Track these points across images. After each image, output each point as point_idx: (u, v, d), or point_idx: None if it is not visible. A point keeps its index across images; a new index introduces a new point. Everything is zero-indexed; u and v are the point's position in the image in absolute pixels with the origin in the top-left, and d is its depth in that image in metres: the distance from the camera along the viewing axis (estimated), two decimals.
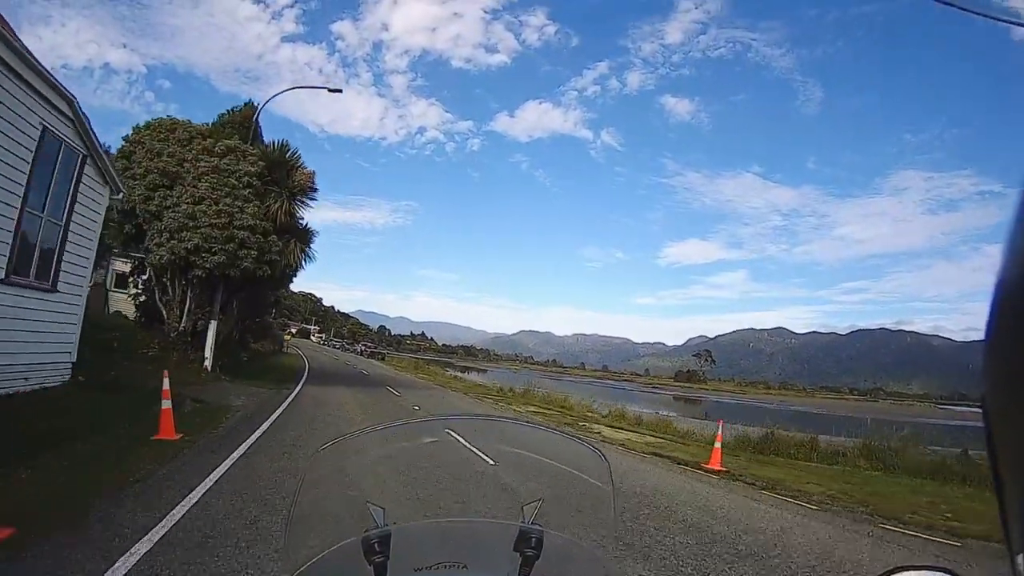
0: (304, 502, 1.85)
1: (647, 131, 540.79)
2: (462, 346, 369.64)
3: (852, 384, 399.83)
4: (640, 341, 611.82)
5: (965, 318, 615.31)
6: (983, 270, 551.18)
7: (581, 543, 1.97)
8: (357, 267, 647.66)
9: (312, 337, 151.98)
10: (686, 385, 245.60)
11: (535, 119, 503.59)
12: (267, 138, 26.81)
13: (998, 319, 0.58)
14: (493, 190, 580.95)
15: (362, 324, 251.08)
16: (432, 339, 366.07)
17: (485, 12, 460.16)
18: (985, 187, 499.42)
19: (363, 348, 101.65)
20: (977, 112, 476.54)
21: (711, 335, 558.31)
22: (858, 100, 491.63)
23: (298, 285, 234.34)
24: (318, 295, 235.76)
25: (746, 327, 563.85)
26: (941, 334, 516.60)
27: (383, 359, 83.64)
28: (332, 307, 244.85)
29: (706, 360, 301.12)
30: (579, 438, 2.13)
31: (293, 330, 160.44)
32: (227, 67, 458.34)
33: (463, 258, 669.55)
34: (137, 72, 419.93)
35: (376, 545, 1.57)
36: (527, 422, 2.37)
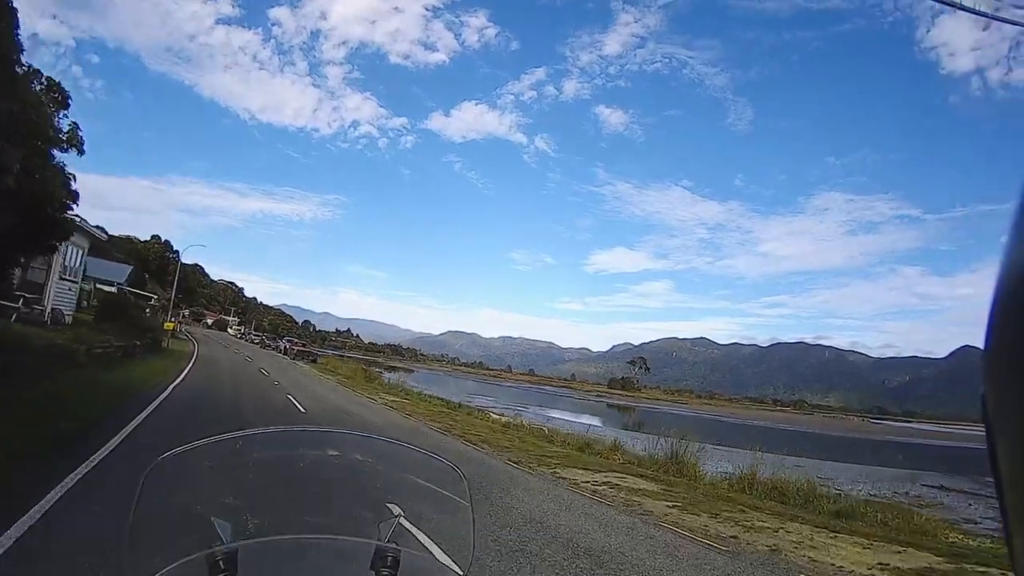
0: (143, 515, 1.70)
1: (581, 139, 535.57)
2: (389, 345, 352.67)
3: (772, 395, 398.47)
4: (566, 346, 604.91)
5: (881, 335, 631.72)
6: (899, 290, 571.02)
7: (438, 562, 1.99)
8: (283, 260, 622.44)
9: (229, 329, 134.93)
10: (620, 392, 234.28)
11: (470, 120, 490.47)
12: None
13: (998, 322, 0.57)
14: (425, 189, 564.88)
15: (286, 316, 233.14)
16: (358, 336, 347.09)
17: (426, 9, 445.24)
18: (904, 211, 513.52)
19: (288, 345, 79.11)
20: (900, 139, 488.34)
21: (636, 342, 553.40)
22: (787, 122, 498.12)
23: (218, 273, 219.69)
24: (240, 285, 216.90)
25: (670, 336, 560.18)
26: (858, 349, 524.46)
27: (314, 361, 64.66)
28: (255, 299, 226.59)
29: (640, 367, 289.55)
30: (436, 454, 2.14)
31: (209, 320, 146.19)
32: (159, 46, 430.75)
33: (391, 256, 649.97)
34: (65, 45, 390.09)
35: (221, 563, 1.50)
36: (389, 439, 2.35)
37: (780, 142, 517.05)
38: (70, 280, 28.86)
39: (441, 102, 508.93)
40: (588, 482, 14.59)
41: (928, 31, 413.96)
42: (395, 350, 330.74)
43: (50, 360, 17.26)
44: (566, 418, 45.77)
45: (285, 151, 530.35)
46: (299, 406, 20.65)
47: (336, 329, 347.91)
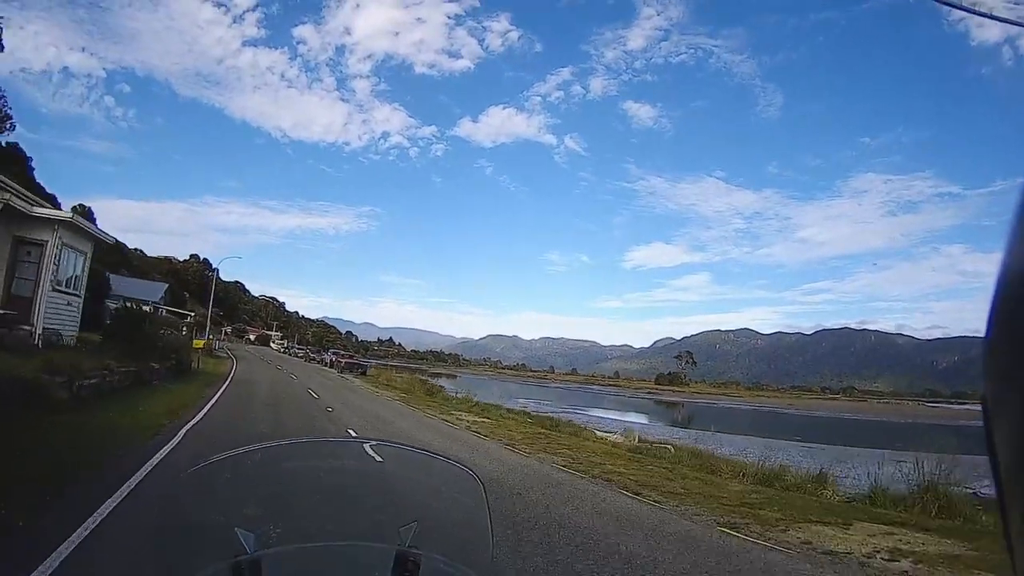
0: (168, 526, 1.87)
1: (610, 136, 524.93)
2: (431, 351, 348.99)
3: (819, 383, 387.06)
4: (607, 344, 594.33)
5: (927, 316, 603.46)
6: (942, 270, 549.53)
7: (459, 566, 1.98)
8: (321, 273, 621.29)
9: (272, 344, 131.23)
10: (669, 388, 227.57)
11: (499, 124, 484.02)
12: None
13: (998, 318, 0.56)
14: (457, 195, 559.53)
15: (329, 327, 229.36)
16: (400, 345, 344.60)
17: (448, 17, 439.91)
18: (943, 189, 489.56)
19: (334, 358, 71.20)
20: (935, 115, 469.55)
21: (677, 337, 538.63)
22: (818, 105, 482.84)
23: (259, 290, 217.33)
24: (281, 300, 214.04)
25: (712, 328, 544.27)
26: (904, 332, 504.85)
27: (364, 374, 57.49)
28: (296, 313, 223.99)
29: (687, 362, 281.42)
30: (452, 459, 2.18)
31: (252, 336, 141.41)
32: (187, 71, 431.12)
33: (428, 264, 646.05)
34: (96, 76, 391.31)
35: (245, 572, 1.53)
36: (406, 445, 2.44)
37: (812, 126, 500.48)
38: (68, 292, 23.02)
39: (469, 108, 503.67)
40: (867, 555, 8.86)
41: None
42: (437, 356, 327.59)
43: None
44: (661, 427, 39.18)
45: (318, 166, 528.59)
46: (365, 448, 14.20)
47: (378, 339, 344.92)
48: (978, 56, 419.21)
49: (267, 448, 2.22)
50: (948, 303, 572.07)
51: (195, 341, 41.38)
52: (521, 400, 53.62)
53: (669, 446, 21.81)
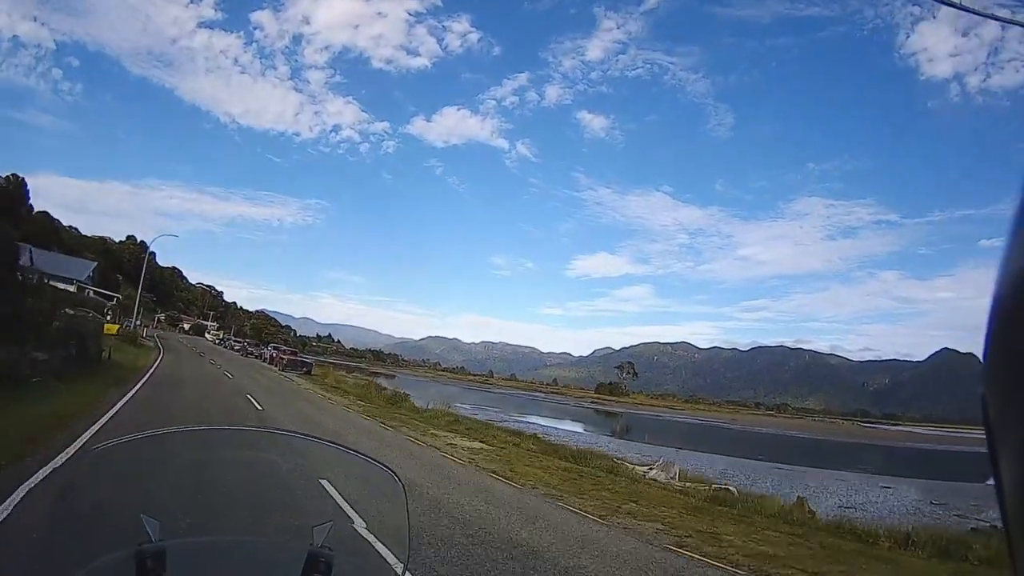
0: (70, 508, 1.76)
1: (562, 144, 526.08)
2: (370, 350, 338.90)
3: (753, 399, 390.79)
4: (547, 351, 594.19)
5: (860, 338, 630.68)
6: (877, 295, 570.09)
7: (371, 569, 1.95)
8: (263, 265, 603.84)
9: (207, 334, 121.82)
10: (610, 398, 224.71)
11: (452, 125, 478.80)
12: None
13: (998, 320, 0.56)
14: (406, 194, 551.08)
15: (269, 319, 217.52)
16: (339, 342, 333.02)
17: (409, 14, 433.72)
18: (883, 216, 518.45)
19: (274, 354, 59.77)
20: (879, 145, 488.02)
21: (616, 347, 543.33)
22: (767, 127, 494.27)
23: (197, 278, 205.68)
24: (219, 289, 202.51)
25: (651, 340, 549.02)
26: (838, 353, 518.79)
27: (309, 373, 49.55)
28: (234, 303, 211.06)
29: (628, 373, 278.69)
30: (372, 457, 2.10)
31: (186, 325, 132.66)
32: (140, 49, 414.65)
33: (372, 261, 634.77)
34: (46, 47, 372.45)
35: (149, 561, 1.46)
36: (330, 441, 2.26)
37: (760, 148, 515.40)
38: None
39: (423, 107, 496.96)
40: None
41: (908, 37, 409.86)
42: (377, 356, 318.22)
43: None
44: (661, 449, 34.04)
45: (265, 155, 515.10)
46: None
47: (317, 335, 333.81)
48: (926, 90, 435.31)
49: (181, 432, 2.06)
50: (881, 326, 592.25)
51: (107, 325, 34.68)
52: (468, 406, 47.72)
53: (731, 488, 16.69)
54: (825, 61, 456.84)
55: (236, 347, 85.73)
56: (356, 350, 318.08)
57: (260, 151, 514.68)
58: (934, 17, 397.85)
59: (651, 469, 18.34)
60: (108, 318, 43.19)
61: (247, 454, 2.55)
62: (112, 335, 34.87)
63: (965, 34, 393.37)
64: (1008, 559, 0.57)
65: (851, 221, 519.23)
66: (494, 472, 14.16)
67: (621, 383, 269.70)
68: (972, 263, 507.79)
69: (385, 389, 38.05)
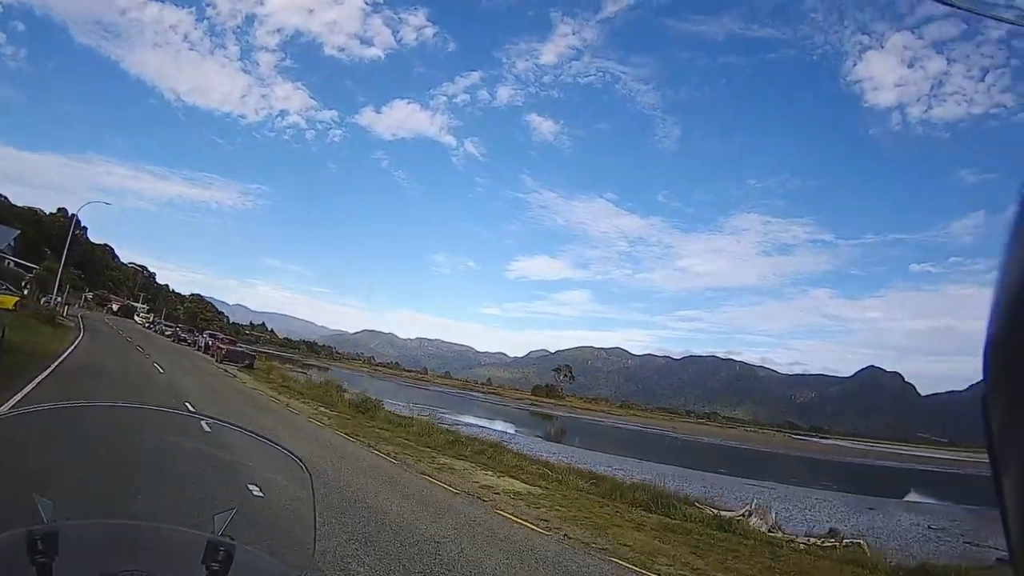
0: None
1: (510, 146, 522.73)
2: (304, 341, 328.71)
3: (683, 406, 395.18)
4: (482, 350, 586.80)
5: (789, 353, 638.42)
6: (808, 311, 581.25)
7: (274, 561, 1.87)
8: (198, 248, 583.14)
9: (136, 317, 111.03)
10: (547, 400, 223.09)
11: (401, 119, 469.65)
12: None
13: (999, 320, 0.55)
14: (349, 185, 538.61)
15: (206, 304, 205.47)
16: (272, 331, 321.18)
17: (366, 3, 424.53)
18: (818, 236, 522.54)
19: (211, 342, 52.09)
20: (820, 167, 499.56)
21: (552, 350, 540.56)
22: (712, 143, 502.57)
23: (130, 258, 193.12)
24: (152, 270, 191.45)
25: (586, 345, 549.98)
26: (767, 365, 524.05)
27: (251, 367, 42.84)
28: (167, 286, 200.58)
29: (565, 375, 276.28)
30: (279, 444, 2.04)
31: (115, 306, 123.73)
32: (88, 17, 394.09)
33: (310, 251, 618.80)
34: None
35: (40, 544, 1.37)
36: (235, 425, 2.17)
37: (704, 162, 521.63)
38: None
39: (373, 98, 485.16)
40: None
41: (855, 65, 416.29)
42: (311, 347, 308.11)
43: None
44: (634, 464, 30.11)
45: (209, 135, 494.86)
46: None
47: (251, 323, 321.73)
48: (869, 117, 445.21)
49: (83, 407, 1.93)
50: (810, 342, 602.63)
51: (2, 297, 28.77)
52: (409, 403, 41.86)
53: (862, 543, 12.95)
54: (773, 82, 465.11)
55: (167, 332, 78.61)
56: (290, 340, 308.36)
57: (204, 131, 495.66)
58: (882, 47, 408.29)
59: (748, 515, 13.81)
60: (26, 291, 37.05)
61: (156, 436, 2.35)
62: (7, 309, 28.71)
63: (911, 66, 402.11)
64: (1006, 546, 0.56)
65: (787, 239, 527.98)
66: (613, 554, 9.28)
67: (558, 386, 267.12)
68: (902, 285, 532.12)
69: (345, 391, 32.41)
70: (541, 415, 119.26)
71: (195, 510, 1.97)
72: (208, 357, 46.01)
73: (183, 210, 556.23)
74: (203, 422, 2.58)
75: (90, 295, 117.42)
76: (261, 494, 2.25)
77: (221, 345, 48.29)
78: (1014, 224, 0.57)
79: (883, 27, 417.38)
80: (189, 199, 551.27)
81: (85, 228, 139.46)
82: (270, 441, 2.04)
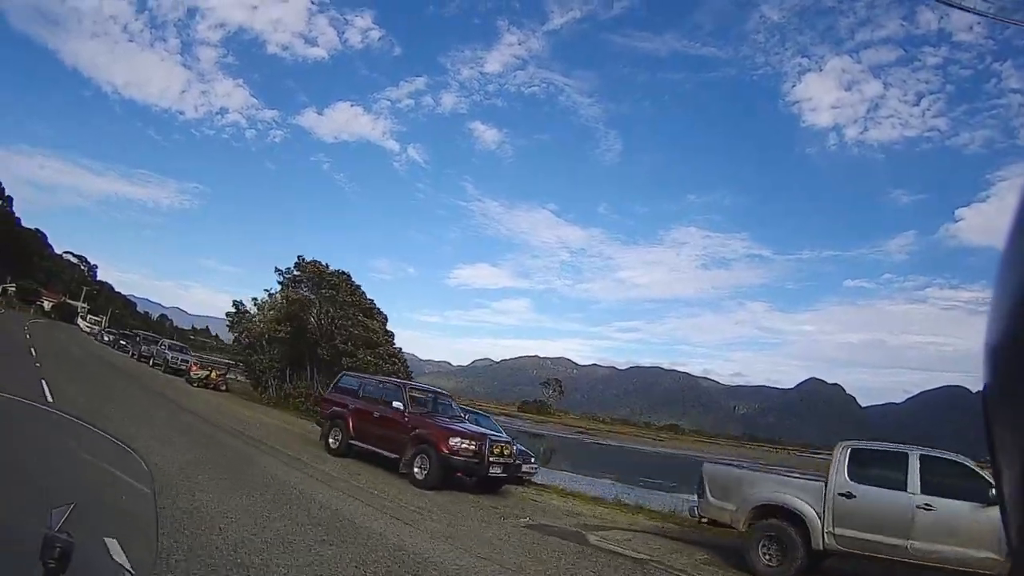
0: None
1: (453, 153, 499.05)
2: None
3: (630, 416, 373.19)
4: (425, 358, 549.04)
5: (731, 364, 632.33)
6: (745, 323, 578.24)
7: (113, 560, 1.76)
8: (134, 248, 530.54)
9: (81, 321, 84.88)
10: (538, 417, 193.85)
11: (344, 121, 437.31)
12: None
13: (999, 321, 0.54)
14: (289, 187, 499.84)
15: (136, 311, 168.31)
16: (217, 336, 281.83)
17: (312, 2, 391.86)
18: (755, 251, 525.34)
19: (178, 357, 38.25)
20: (756, 184, 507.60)
21: (496, 359, 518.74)
22: (653, 157, 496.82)
23: (62, 245, 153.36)
24: (93, 262, 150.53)
25: (531, 354, 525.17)
26: (710, 376, 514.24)
27: (225, 387, 30.22)
28: (108, 284, 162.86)
29: (555, 390, 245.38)
30: (117, 438, 1.96)
31: (47, 304, 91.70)
32: (26, 3, 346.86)
33: (249, 252, 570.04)
34: None
35: None
36: (67, 415, 2.10)
37: (645, 176, 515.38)
38: None
39: (315, 99, 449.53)
40: None
41: (793, 86, 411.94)
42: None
43: None
44: None
45: (146, 131, 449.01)
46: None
47: (193, 326, 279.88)
48: (806, 137, 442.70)
49: None
50: (748, 353, 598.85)
51: None
52: None
53: None
54: (713, 99, 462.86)
55: (126, 346, 51.60)
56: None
57: (140, 126, 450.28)
58: (821, 70, 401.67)
59: None
60: None
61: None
62: None
63: (848, 88, 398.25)
64: (1005, 545, 0.54)
65: (725, 253, 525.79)
66: None
67: (548, 402, 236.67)
68: (835, 300, 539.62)
69: None
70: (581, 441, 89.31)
71: (32, 504, 1.69)
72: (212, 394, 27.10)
73: (119, 207, 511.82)
74: (33, 409, 2.19)
75: (12, 288, 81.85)
76: (101, 488, 1.92)
77: (202, 368, 31.98)
78: (1014, 224, 0.53)
79: (823, 50, 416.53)
80: (125, 196, 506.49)
81: (10, 198, 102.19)
82: (112, 436, 1.89)
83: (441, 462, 13.22)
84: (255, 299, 30.82)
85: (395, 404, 14.71)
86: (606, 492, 19.93)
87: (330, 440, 16.03)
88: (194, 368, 32.05)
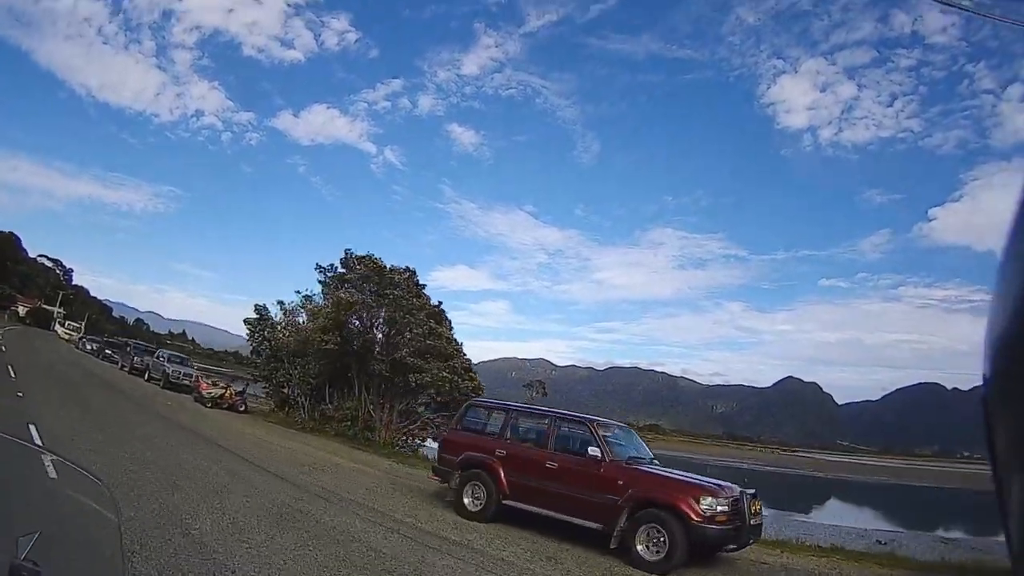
0: None
1: (430, 155, 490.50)
2: (228, 352, 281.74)
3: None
4: None
5: (709, 364, 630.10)
6: (723, 323, 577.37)
7: None
8: (108, 252, 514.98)
9: (59, 328, 77.43)
10: None
11: (320, 124, 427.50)
12: None
13: (999, 321, 0.53)
14: (265, 190, 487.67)
15: (112, 316, 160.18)
16: (194, 341, 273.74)
17: (288, 5, 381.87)
18: (731, 251, 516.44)
19: (180, 371, 33.26)
20: (732, 185, 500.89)
21: (475, 361, 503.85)
22: (630, 158, 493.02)
23: (37, 249, 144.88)
24: (68, 266, 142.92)
25: (510, 356, 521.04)
26: (688, 376, 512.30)
27: (244, 407, 25.91)
28: (84, 288, 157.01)
29: (539, 392, 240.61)
30: (80, 465, 1.92)
31: (21, 309, 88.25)
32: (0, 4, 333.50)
33: (225, 256, 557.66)
34: None
35: None
36: (28, 444, 1.97)
37: (622, 177, 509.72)
38: None
39: (292, 101, 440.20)
40: None
41: (769, 88, 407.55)
42: (238, 358, 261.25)
43: None
44: None
45: (120, 134, 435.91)
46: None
47: (170, 331, 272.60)
48: (781, 139, 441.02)
49: None
50: (726, 353, 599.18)
51: None
52: None
53: None
54: (690, 101, 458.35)
55: (113, 355, 47.61)
56: (214, 351, 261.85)
57: (115, 129, 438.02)
58: (796, 72, 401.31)
59: None
60: None
61: None
62: None
63: (823, 90, 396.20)
64: (1006, 546, 0.54)
65: (702, 253, 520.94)
66: None
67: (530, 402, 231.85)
68: (812, 299, 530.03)
69: None
70: None
71: None
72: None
73: (92, 211, 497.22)
74: (13, 442, 2.17)
75: None
76: (66, 517, 1.89)
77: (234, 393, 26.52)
78: (1014, 224, 0.53)
79: (798, 52, 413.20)
80: (99, 199, 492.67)
81: None
82: (74, 464, 1.90)
83: (689, 534, 9.19)
84: (281, 303, 25.75)
85: (591, 451, 10.52)
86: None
87: (466, 500, 11.52)
88: (204, 386, 26.79)
